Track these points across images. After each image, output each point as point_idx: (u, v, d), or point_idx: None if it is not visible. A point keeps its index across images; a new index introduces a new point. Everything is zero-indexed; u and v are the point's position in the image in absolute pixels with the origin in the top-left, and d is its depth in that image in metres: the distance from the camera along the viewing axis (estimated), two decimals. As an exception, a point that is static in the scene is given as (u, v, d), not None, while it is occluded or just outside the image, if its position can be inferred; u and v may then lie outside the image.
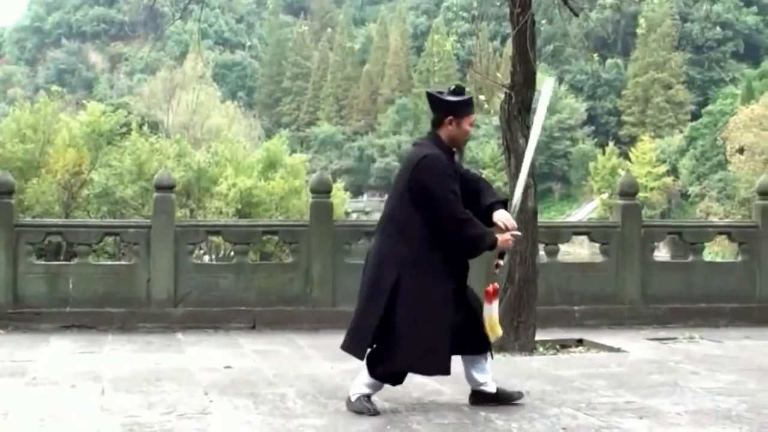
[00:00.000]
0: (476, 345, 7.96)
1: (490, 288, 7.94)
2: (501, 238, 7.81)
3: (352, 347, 7.92)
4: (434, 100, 8.03)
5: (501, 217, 7.88)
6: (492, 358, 8.21)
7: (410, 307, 7.61)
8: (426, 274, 7.66)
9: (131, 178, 32.68)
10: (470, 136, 8.33)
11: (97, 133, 36.05)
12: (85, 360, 10.95)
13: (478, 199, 8.00)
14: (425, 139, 8.11)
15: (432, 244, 7.69)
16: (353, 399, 7.86)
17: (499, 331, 8.00)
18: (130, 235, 14.71)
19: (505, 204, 8.06)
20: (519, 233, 8.10)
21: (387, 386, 7.91)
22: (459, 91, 8.08)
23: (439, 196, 7.65)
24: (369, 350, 7.79)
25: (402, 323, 7.61)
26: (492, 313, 7.89)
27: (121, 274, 14.50)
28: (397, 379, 7.99)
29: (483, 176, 8.75)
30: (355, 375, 8.08)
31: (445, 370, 7.75)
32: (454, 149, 8.01)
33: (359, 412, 7.73)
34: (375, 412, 7.72)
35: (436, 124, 7.97)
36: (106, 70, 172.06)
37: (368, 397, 7.87)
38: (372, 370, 7.82)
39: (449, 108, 7.92)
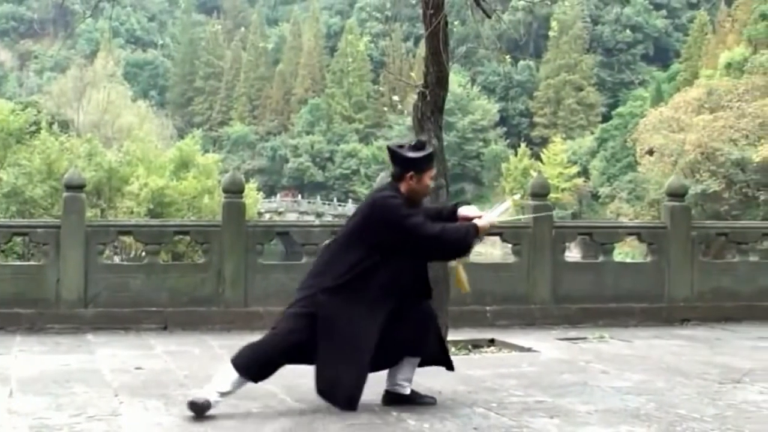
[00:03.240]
0: (418, 350, 8.07)
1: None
2: (479, 223, 7.91)
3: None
4: (396, 156, 8.02)
5: (466, 211, 8.09)
6: (453, 370, 8.43)
7: (328, 338, 7.63)
8: (346, 308, 7.64)
9: (41, 178, 32.37)
10: (430, 189, 8.33)
11: (6, 131, 35.70)
12: (-7, 362, 10.79)
13: (440, 216, 8.16)
14: (385, 189, 8.14)
15: (359, 275, 7.69)
16: (213, 400, 7.61)
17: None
18: (39, 235, 14.53)
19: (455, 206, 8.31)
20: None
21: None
22: (420, 146, 8.13)
23: (405, 226, 7.70)
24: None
25: (322, 349, 7.63)
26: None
27: (30, 274, 14.33)
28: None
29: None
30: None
31: (350, 406, 7.70)
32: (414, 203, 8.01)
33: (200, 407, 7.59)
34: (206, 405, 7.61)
35: (397, 177, 7.98)
36: (15, 68, 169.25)
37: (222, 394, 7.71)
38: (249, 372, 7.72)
39: (411, 164, 7.92)
